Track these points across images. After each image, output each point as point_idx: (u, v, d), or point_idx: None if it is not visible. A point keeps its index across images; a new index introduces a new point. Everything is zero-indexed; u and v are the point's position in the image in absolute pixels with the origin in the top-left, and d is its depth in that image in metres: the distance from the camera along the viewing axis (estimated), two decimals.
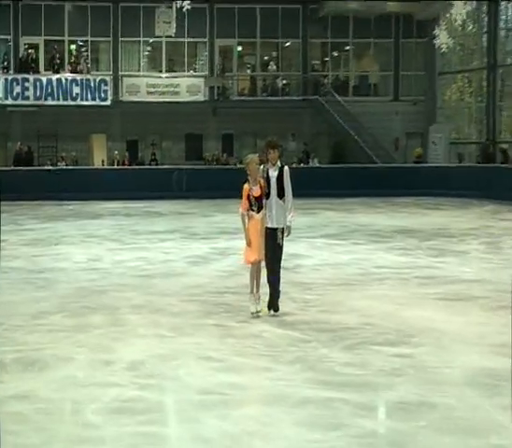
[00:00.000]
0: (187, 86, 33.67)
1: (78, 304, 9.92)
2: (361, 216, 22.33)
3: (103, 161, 32.96)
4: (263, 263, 9.29)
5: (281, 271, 9.40)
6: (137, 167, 31.30)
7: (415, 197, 26.86)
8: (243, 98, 34.53)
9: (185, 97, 33.32)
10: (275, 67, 35.10)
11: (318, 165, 31.80)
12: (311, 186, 27.33)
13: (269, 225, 9.21)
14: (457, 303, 10.00)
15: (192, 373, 6.98)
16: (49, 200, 26.28)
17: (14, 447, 5.26)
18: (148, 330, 8.60)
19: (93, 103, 32.26)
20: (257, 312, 9.14)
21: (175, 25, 31.80)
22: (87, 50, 34.30)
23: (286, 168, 9.35)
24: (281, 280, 9.39)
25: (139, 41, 34.35)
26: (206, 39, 34.67)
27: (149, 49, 34.88)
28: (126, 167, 31.12)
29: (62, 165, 31.32)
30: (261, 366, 7.25)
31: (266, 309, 9.26)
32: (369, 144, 32.70)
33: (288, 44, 35.83)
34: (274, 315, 9.22)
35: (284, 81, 35.54)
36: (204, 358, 7.47)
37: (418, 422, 5.74)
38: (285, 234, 9.23)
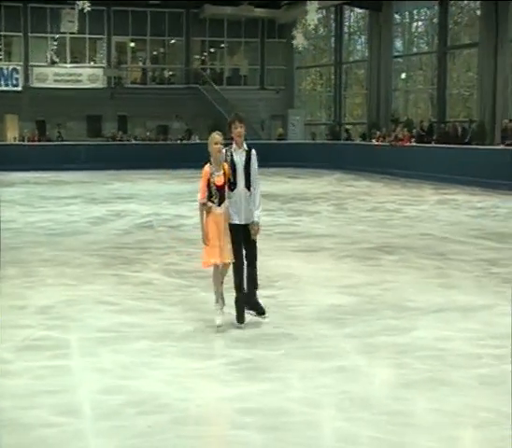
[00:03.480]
0: (88, 75, 33.00)
1: None
2: None
3: (15, 138, 31.91)
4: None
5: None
6: (45, 143, 30.33)
7: (277, 168, 27.03)
8: (135, 86, 33.97)
9: (86, 84, 32.66)
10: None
11: (198, 141, 31.60)
12: (192, 158, 27.18)
13: (236, 221, 6.36)
14: (311, 254, 10.06)
15: (93, 315, 6.79)
16: None
17: None
18: (55, 280, 8.33)
19: (6, 88, 31.54)
20: (220, 326, 6.28)
21: (77, 24, 30.93)
22: (1, 44, 33.10)
23: (254, 152, 6.43)
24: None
25: (47, 37, 33.25)
26: (104, 36, 33.89)
27: (55, 43, 33.77)
28: (36, 143, 30.15)
29: None
30: (151, 308, 7.12)
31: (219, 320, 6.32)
32: None
33: (173, 41, 35.35)
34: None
35: (170, 72, 35.33)
36: (102, 303, 7.29)
37: (279, 350, 5.76)
38: (255, 231, 6.45)
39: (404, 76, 31.42)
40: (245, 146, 6.38)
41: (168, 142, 31.11)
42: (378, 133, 27.77)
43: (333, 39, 33.97)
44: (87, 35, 33.45)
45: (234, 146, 6.38)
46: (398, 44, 31.12)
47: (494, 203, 16.76)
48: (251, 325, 6.45)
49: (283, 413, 4.52)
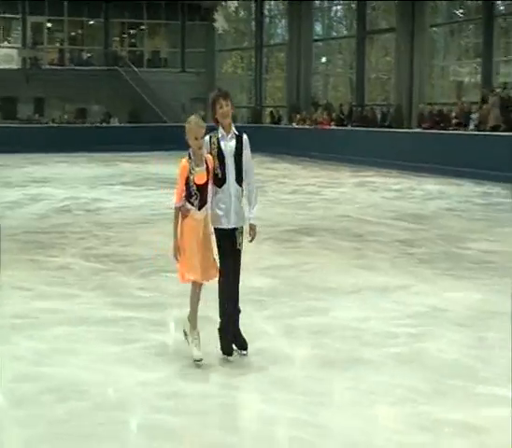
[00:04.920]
0: (2, 55, 32.02)
1: None
2: (152, 167, 22.02)
3: None
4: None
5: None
6: None
7: None
8: (53, 67, 33.06)
9: (0, 65, 31.54)
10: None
11: (117, 124, 31.13)
12: (111, 141, 26.83)
13: (224, 225, 5.04)
14: None
15: (8, 302, 6.60)
16: None
17: None
18: None
19: None
20: (200, 360, 4.98)
21: None
22: None
23: (246, 137, 5.12)
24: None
25: None
26: (19, 16, 32.89)
27: None
28: None
29: None
30: (68, 293, 6.96)
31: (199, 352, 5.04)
32: (161, 107, 32.35)
33: (92, 22, 34.62)
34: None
35: (89, 54, 34.56)
36: (18, 288, 7.08)
37: (201, 335, 5.71)
38: (246, 236, 5.15)
39: (324, 59, 31.63)
40: (234, 129, 5.07)
41: (86, 125, 30.53)
42: (299, 116, 27.92)
43: (253, 23, 33.89)
44: (0, 15, 32.45)
45: (220, 131, 5.03)
46: (318, 28, 31.28)
47: (411, 186, 17.09)
48: (171, 308, 6.39)
49: (203, 396, 4.48)
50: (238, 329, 5.25)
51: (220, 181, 5.00)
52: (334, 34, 31.36)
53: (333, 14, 31.44)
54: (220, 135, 5.04)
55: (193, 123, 4.89)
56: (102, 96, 32.60)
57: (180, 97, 33.33)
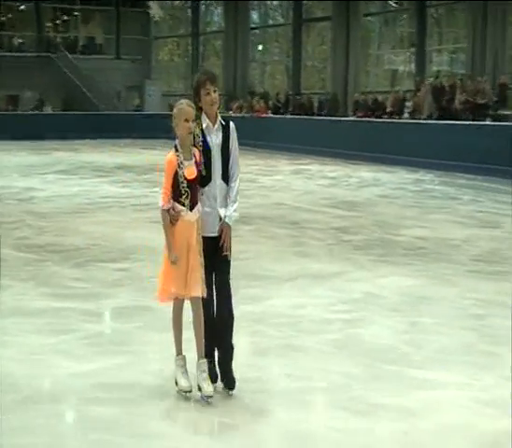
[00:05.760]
0: None
1: None
2: (86, 155, 21.70)
3: None
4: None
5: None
6: None
7: (133, 139, 26.71)
8: None
9: None
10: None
11: (50, 112, 30.52)
12: (44, 129, 26.33)
13: (208, 232, 4.25)
14: None
15: None
16: None
17: None
18: None
19: None
20: (189, 391, 4.24)
21: None
22: None
23: (233, 126, 4.38)
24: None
25: None
26: None
27: None
28: None
29: None
30: (0, 284, 6.81)
31: (209, 386, 4.18)
32: (95, 94, 31.80)
33: (23, 7, 33.81)
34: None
35: (20, 40, 33.65)
36: None
37: (135, 323, 5.66)
38: (224, 238, 4.23)
39: (260, 47, 31.60)
40: (220, 119, 4.34)
41: (18, 112, 29.83)
42: (235, 104, 27.85)
43: (189, 10, 33.60)
44: None
45: (205, 120, 4.29)
46: (255, 16, 31.21)
47: (346, 173, 17.25)
48: (105, 298, 6.32)
49: (139, 386, 4.44)
50: (229, 366, 4.34)
51: (203, 179, 4.24)
52: (271, 22, 31.33)
53: (269, 2, 31.39)
54: (204, 126, 4.28)
55: (185, 104, 4.25)
56: (35, 83, 31.87)
57: (115, 84, 32.88)
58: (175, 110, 4.24)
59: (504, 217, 10.92)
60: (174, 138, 4.24)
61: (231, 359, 4.34)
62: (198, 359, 4.25)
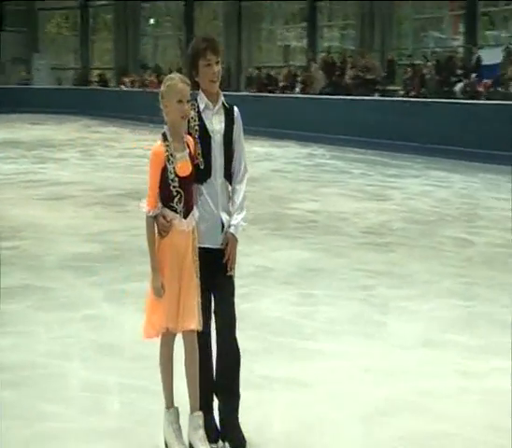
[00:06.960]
0: None
1: None
2: None
3: None
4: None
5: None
6: None
7: (20, 114, 25.83)
8: None
9: None
10: None
11: None
12: None
13: (207, 243, 3.32)
14: (55, 202, 9.70)
15: None
16: None
17: None
18: None
19: None
20: None
21: None
22: None
23: (238, 112, 3.44)
24: None
25: None
26: None
27: None
28: None
29: None
30: None
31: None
32: None
33: None
34: None
35: None
36: None
37: (23, 303, 5.50)
38: (230, 252, 3.33)
39: (152, 21, 31.04)
40: (223, 100, 3.44)
41: None
42: (127, 78, 27.35)
43: None
44: None
45: (204, 99, 3.40)
46: None
47: None
48: None
49: (29, 367, 4.33)
50: (235, 420, 3.37)
51: (201, 175, 3.30)
52: None
53: None
54: (202, 107, 3.37)
55: (178, 79, 3.25)
56: None
57: (1, 57, 31.65)
58: (163, 88, 3.23)
59: (392, 190, 11.20)
60: (161, 123, 3.30)
61: (236, 411, 3.36)
62: (191, 412, 3.27)
